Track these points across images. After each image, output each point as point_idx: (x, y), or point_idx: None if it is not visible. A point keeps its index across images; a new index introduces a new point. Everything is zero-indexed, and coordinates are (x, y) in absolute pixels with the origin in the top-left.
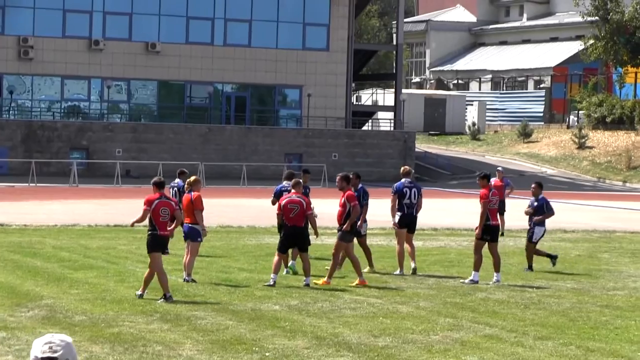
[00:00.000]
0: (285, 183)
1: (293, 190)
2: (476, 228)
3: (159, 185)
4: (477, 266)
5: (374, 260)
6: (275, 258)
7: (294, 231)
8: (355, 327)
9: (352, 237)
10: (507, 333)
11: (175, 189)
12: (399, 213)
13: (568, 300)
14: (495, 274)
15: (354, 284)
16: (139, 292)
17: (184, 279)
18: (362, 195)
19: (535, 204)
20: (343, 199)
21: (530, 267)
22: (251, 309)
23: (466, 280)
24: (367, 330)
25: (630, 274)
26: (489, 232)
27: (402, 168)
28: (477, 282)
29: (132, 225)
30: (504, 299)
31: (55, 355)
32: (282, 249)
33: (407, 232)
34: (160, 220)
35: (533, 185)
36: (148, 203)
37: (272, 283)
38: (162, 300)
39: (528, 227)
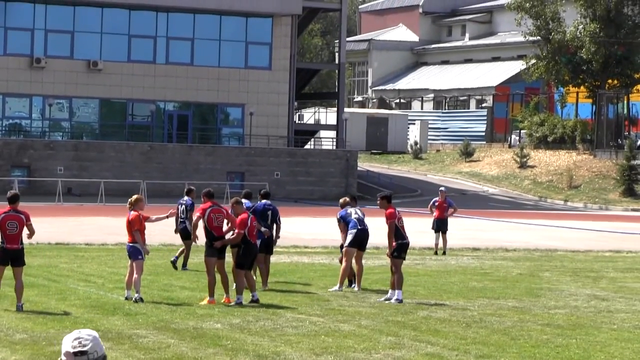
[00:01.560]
0: (244, 201)
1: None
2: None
3: (10, 200)
4: (400, 284)
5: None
6: (238, 278)
7: (256, 249)
8: (297, 346)
9: (215, 252)
10: (449, 351)
11: (184, 206)
12: (352, 231)
13: (509, 318)
14: (397, 292)
15: (202, 303)
16: None
17: (126, 297)
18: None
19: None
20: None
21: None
22: (193, 328)
23: (392, 300)
24: (309, 349)
25: (571, 292)
26: (404, 249)
27: (342, 200)
28: (401, 300)
29: None
30: (445, 318)
31: (85, 349)
32: (247, 265)
33: (358, 250)
34: (7, 233)
35: (347, 199)
36: None
37: (242, 302)
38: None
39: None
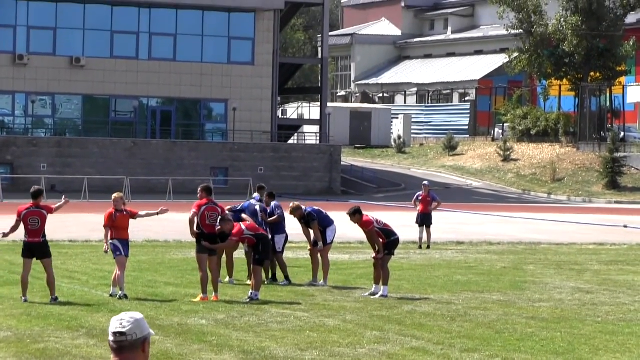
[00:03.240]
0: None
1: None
2: (377, 252)
3: (33, 195)
4: (387, 280)
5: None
6: (257, 275)
7: (269, 240)
8: (282, 341)
9: (206, 249)
10: (434, 345)
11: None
12: (334, 227)
13: (494, 312)
14: (383, 288)
15: (196, 300)
16: (23, 298)
17: (110, 294)
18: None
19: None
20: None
21: (274, 278)
22: (178, 324)
23: (377, 296)
24: (294, 344)
25: (556, 285)
26: (395, 245)
27: (293, 209)
28: (387, 296)
29: (6, 235)
30: (430, 312)
31: (124, 330)
32: (265, 261)
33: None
34: (29, 228)
35: (265, 195)
36: (18, 214)
37: (257, 298)
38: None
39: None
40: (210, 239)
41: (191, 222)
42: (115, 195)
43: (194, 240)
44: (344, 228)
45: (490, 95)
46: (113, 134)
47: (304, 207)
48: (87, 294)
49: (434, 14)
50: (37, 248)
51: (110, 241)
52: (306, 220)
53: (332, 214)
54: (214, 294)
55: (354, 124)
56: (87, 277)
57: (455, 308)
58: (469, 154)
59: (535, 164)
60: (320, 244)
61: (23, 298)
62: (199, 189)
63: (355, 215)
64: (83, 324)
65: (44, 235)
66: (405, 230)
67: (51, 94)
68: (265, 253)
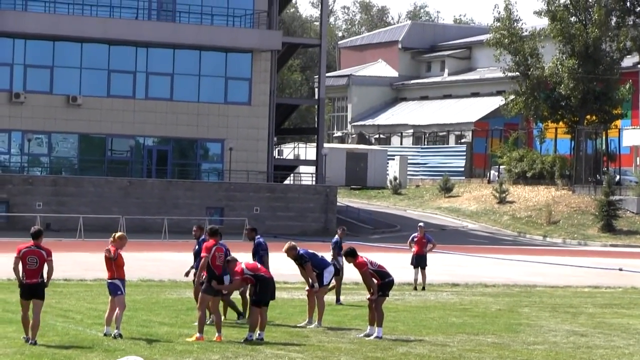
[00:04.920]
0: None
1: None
2: (371, 293)
3: (33, 235)
4: (381, 321)
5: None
6: (253, 315)
7: (272, 283)
8: None
9: (212, 290)
10: None
11: (334, 243)
12: (331, 269)
13: (489, 354)
14: (377, 329)
15: (191, 339)
16: (24, 336)
17: (105, 333)
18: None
19: None
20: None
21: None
22: None
23: (372, 337)
24: None
25: (551, 328)
26: (389, 287)
27: (288, 249)
28: (381, 337)
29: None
30: (425, 354)
31: None
32: (263, 302)
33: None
34: (27, 267)
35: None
36: (18, 252)
37: (253, 338)
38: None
39: None
40: (219, 280)
41: (202, 267)
42: (120, 234)
43: (190, 280)
44: None
45: (487, 138)
46: (109, 173)
47: (298, 248)
48: (81, 333)
49: (431, 56)
50: (34, 288)
51: (110, 281)
52: (299, 261)
53: (328, 255)
54: (217, 334)
55: (350, 165)
56: (82, 316)
57: (450, 350)
58: (465, 195)
59: (531, 206)
60: (316, 285)
61: (24, 337)
62: (207, 232)
63: (348, 256)
64: None
65: (42, 276)
66: (401, 272)
67: (47, 133)
68: (262, 295)
